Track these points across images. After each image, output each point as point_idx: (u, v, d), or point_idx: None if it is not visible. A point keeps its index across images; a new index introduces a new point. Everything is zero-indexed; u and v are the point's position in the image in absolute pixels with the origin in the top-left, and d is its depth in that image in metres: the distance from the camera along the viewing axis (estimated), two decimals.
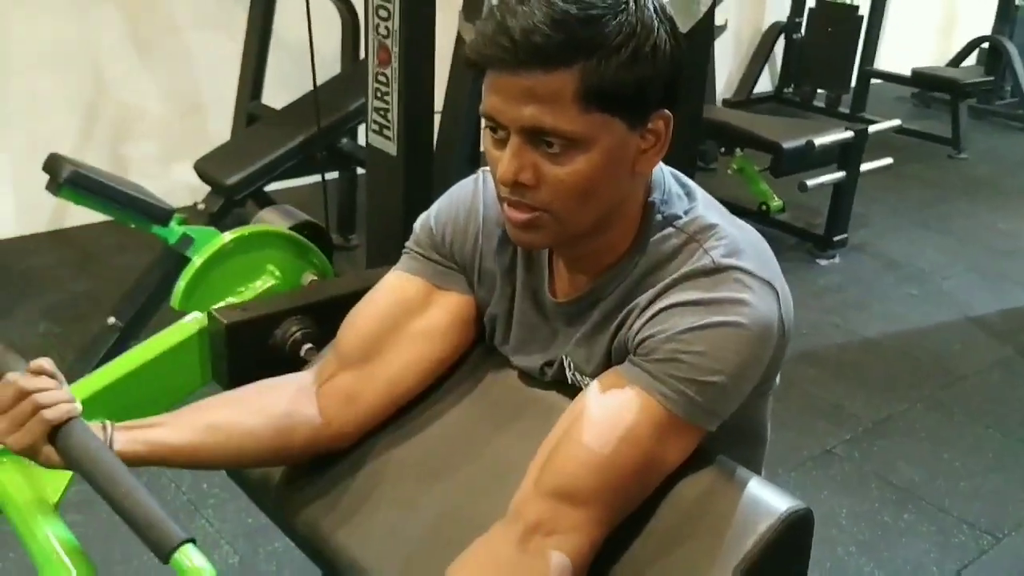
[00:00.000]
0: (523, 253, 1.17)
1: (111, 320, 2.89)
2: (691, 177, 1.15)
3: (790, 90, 6.10)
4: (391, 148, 1.71)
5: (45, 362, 1.00)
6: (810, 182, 3.99)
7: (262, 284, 1.55)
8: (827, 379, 3.18)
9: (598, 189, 1.00)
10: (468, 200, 1.20)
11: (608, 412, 0.99)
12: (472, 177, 1.23)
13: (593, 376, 1.08)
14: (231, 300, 1.47)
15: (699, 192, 1.13)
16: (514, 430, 1.14)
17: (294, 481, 1.21)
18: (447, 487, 1.13)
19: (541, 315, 1.16)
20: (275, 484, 1.22)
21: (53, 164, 2.69)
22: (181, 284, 1.44)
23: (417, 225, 1.24)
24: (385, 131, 1.71)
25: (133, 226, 2.85)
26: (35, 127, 3.72)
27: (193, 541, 0.87)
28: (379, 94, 1.70)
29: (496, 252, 1.18)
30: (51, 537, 1.01)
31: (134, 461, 1.03)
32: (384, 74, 1.69)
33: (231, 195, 3.07)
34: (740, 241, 1.06)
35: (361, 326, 1.20)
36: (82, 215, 3.36)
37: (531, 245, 1.10)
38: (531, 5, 0.91)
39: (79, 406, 0.99)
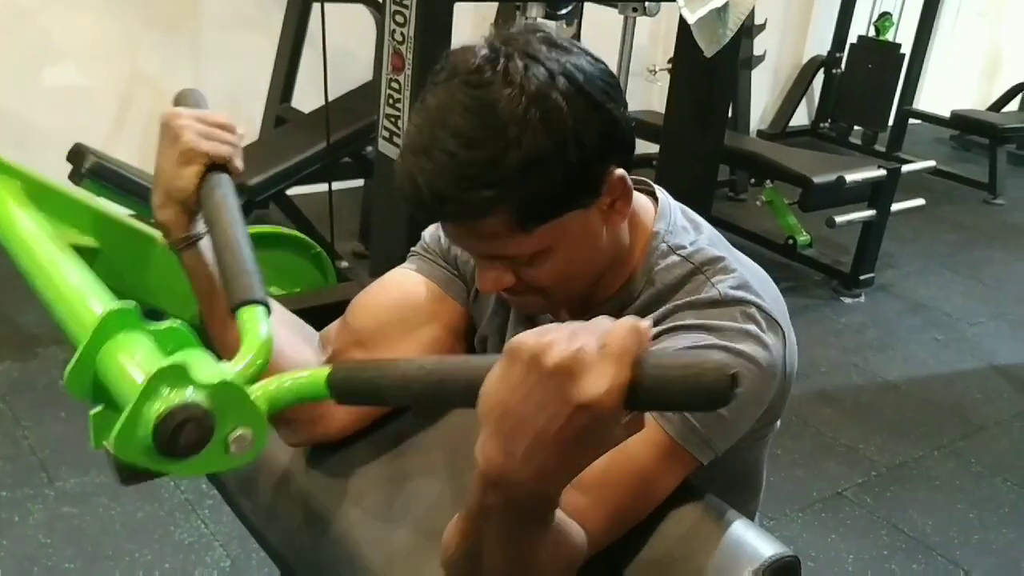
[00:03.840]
0: None
1: None
2: (709, 209, 1.12)
3: (826, 125, 6.05)
4: None
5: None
6: (839, 218, 3.95)
7: (285, 290, 1.52)
8: (842, 420, 3.12)
9: (582, 268, 1.00)
10: None
11: None
12: None
13: None
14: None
15: (706, 226, 1.11)
16: None
17: (271, 489, 1.18)
18: (428, 503, 1.09)
19: None
20: (252, 491, 1.19)
21: (76, 154, 2.71)
22: None
23: (426, 233, 1.22)
24: (395, 138, 1.68)
25: (153, 220, 2.86)
26: (67, 118, 3.75)
27: (267, 308, 0.82)
28: (391, 101, 1.67)
29: None
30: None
31: (190, 256, 1.02)
32: (397, 80, 1.67)
33: (252, 196, 3.07)
34: (748, 276, 1.03)
35: (372, 312, 1.16)
36: (108, 208, 3.38)
37: (536, 312, 1.10)
38: (434, 159, 0.89)
39: (240, 165, 1.01)
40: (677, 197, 1.12)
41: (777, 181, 4.22)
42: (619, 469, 0.93)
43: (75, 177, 2.70)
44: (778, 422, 1.12)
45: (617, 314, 1.03)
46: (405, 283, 1.18)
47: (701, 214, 1.14)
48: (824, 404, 3.19)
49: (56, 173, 3.05)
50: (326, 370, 0.77)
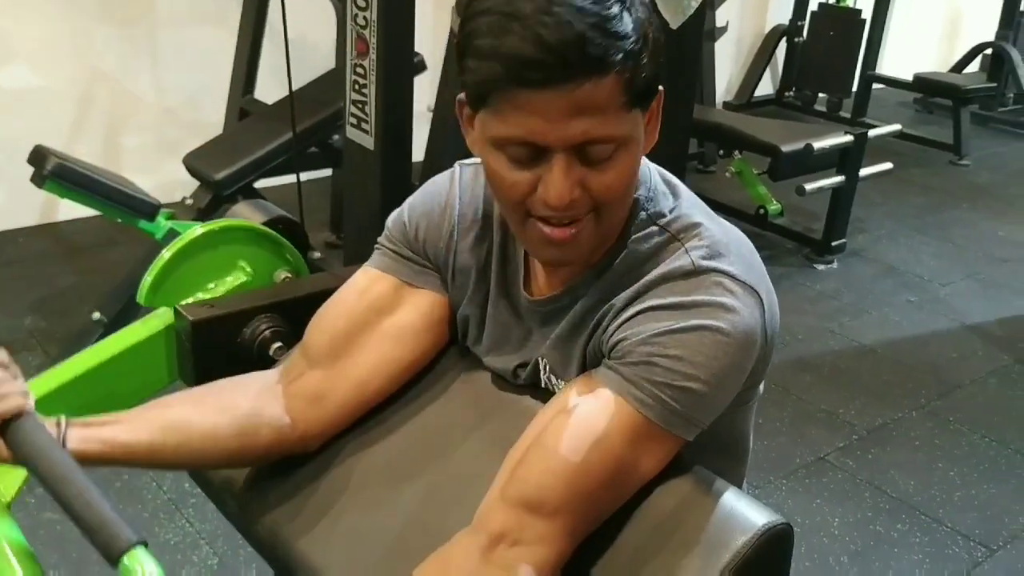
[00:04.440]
0: (498, 250, 1.13)
1: (96, 315, 2.86)
2: (683, 178, 1.11)
3: (791, 94, 6.07)
4: (368, 142, 1.67)
5: (0, 353, 0.95)
6: (808, 186, 3.96)
7: (233, 280, 1.50)
8: (822, 386, 3.15)
9: (633, 181, 0.99)
10: (443, 196, 1.16)
11: (579, 417, 0.95)
12: (447, 172, 1.19)
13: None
14: (200, 296, 1.42)
15: (684, 190, 1.09)
16: (485, 435, 1.10)
17: (257, 485, 1.17)
18: (414, 493, 1.09)
19: (515, 314, 1.12)
20: (237, 488, 1.18)
21: (38, 156, 2.66)
22: (147, 279, 1.39)
23: (390, 221, 1.20)
24: (363, 124, 1.66)
25: (119, 220, 2.82)
26: (26, 120, 3.69)
27: (145, 544, 0.81)
28: (357, 86, 1.65)
29: (470, 249, 1.14)
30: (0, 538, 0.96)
31: (88, 460, 0.99)
32: (362, 66, 1.64)
33: (219, 190, 3.03)
34: (722, 243, 1.02)
35: (329, 324, 1.16)
36: (73, 209, 3.33)
37: (567, 261, 1.03)
38: (558, 15, 0.85)
39: (32, 401, 0.94)
40: None
41: (745, 151, 4.23)
42: (598, 462, 0.93)
43: (37, 180, 2.65)
44: (761, 386, 1.12)
45: (595, 281, 1.03)
46: (362, 287, 1.17)
47: None
48: (803, 371, 3.21)
49: (17, 177, 3.01)
50: None
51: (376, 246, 1.19)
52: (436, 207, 1.16)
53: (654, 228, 1.03)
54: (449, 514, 1.02)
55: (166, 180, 3.69)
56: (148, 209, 2.74)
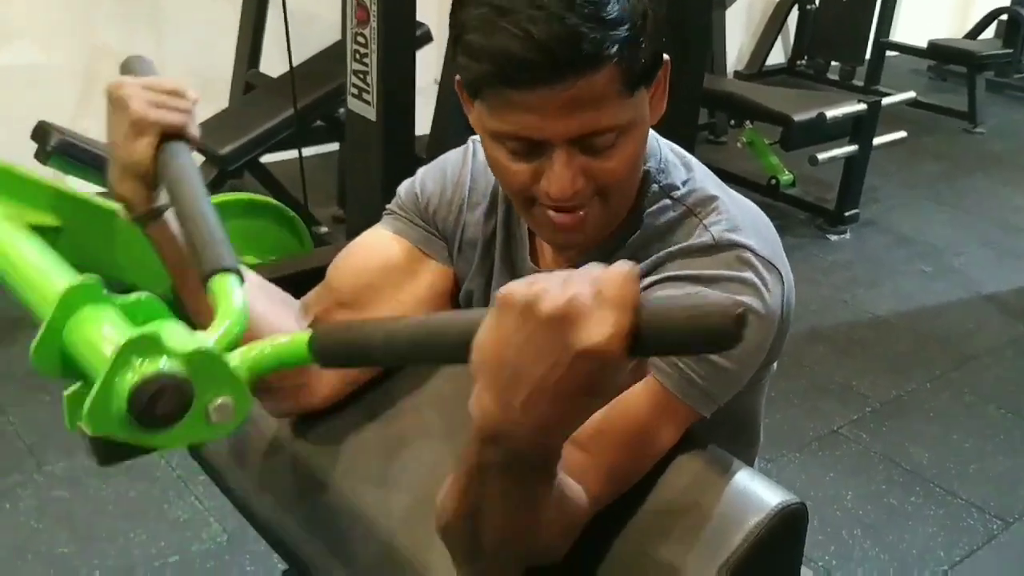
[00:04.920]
0: (503, 225, 1.10)
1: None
2: (693, 149, 1.08)
3: (803, 62, 5.98)
4: (370, 113, 1.64)
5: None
6: (821, 156, 3.91)
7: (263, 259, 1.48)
8: (835, 357, 3.12)
9: (640, 160, 0.97)
10: (456, 173, 1.14)
11: None
12: (461, 149, 1.16)
13: None
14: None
15: (695, 162, 1.07)
16: None
17: (260, 460, 1.15)
18: (416, 472, 1.06)
19: None
20: (238, 469, 1.16)
21: (41, 132, 2.64)
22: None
23: (401, 190, 1.17)
24: (364, 95, 1.63)
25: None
26: (29, 96, 3.66)
27: (240, 277, 0.80)
28: (358, 56, 1.62)
29: (477, 223, 1.12)
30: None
31: (156, 229, 0.97)
32: (363, 34, 1.61)
33: (225, 165, 3.01)
34: (741, 217, 0.99)
35: (354, 272, 1.12)
36: (77, 185, 3.30)
37: (575, 245, 1.01)
38: (549, 7, 0.81)
39: (196, 131, 0.96)
40: None
41: (757, 121, 4.19)
42: (617, 426, 0.91)
43: (41, 156, 2.63)
44: (775, 364, 1.09)
45: (607, 259, 1.00)
46: (382, 244, 1.13)
47: None
48: (816, 343, 3.18)
49: (21, 153, 2.99)
50: (307, 333, 0.75)
51: (386, 211, 1.16)
52: (449, 183, 1.13)
53: (667, 201, 1.01)
54: None
55: None
56: None
